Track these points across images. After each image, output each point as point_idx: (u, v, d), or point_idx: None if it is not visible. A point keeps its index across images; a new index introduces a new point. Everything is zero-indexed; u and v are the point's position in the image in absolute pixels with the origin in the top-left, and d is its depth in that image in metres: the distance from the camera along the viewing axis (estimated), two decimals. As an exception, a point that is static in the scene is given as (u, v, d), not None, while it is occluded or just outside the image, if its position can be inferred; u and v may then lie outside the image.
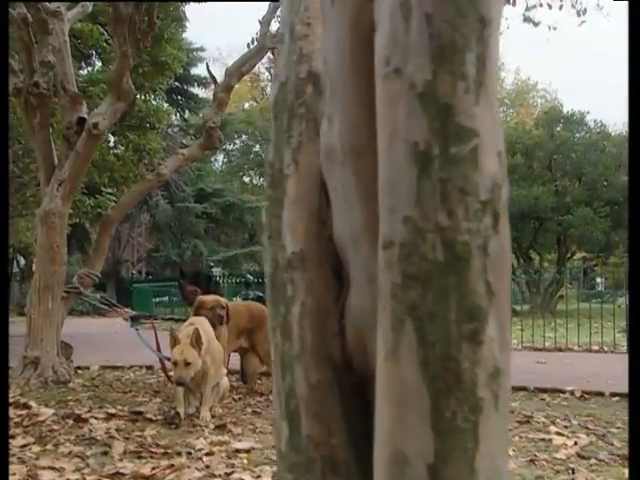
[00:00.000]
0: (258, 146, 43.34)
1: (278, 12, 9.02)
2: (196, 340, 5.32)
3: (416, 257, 0.96)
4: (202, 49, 33.17)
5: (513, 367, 1.01)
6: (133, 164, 13.92)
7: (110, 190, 17.04)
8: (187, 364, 5.27)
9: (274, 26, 8.98)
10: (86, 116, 7.29)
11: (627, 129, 31.38)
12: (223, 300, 6.71)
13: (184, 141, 30.77)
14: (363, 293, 1.13)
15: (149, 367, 8.76)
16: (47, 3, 7.17)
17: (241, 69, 8.68)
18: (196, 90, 33.65)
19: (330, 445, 1.14)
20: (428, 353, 0.95)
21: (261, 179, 45.27)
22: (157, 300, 21.09)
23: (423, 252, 0.96)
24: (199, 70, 32.20)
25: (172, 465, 4.17)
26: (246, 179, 44.91)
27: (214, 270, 25.75)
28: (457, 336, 0.94)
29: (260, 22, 8.79)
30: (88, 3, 8.59)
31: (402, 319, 0.96)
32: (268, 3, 8.91)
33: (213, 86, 9.26)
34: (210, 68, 9.75)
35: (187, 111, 33.09)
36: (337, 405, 1.16)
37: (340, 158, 1.12)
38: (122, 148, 14.13)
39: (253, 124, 41.22)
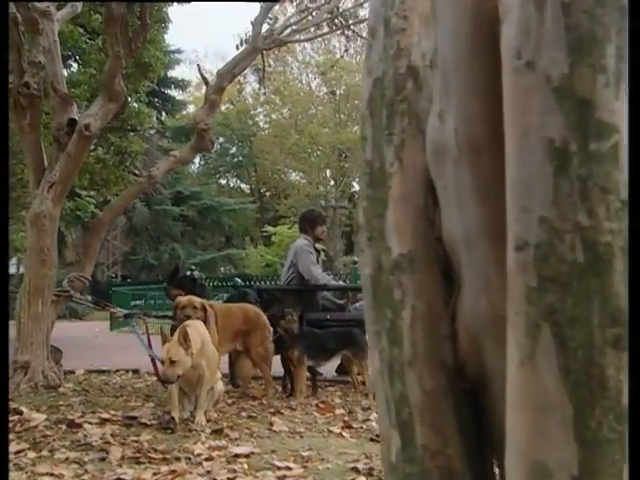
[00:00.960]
0: (235, 148, 43.19)
1: (270, 14, 9.00)
2: (184, 339, 5.24)
3: (553, 259, 0.92)
4: (179, 51, 32.96)
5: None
6: (114, 167, 13.75)
7: (88, 193, 16.83)
8: (172, 362, 5.19)
9: (264, 27, 8.92)
10: (77, 117, 7.17)
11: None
12: (198, 301, 6.52)
13: (160, 143, 30.64)
14: (478, 295, 1.08)
15: (135, 371, 8.63)
16: (37, 3, 7.05)
17: (232, 71, 8.58)
18: (173, 92, 33.45)
19: (446, 455, 1.09)
20: (569, 359, 0.90)
21: (238, 181, 45.15)
22: (135, 303, 20.91)
23: (561, 253, 0.91)
24: (176, 72, 32.07)
25: (174, 471, 4.09)
26: (223, 181, 44.67)
27: (194, 273, 25.57)
28: (601, 341, 0.90)
29: (252, 23, 8.70)
30: (78, 3, 8.46)
31: (539, 324, 0.92)
32: (260, 4, 8.83)
33: (190, 89, 9.22)
34: (188, 70, 9.70)
35: (164, 113, 32.82)
36: (451, 413, 1.11)
37: (454, 155, 1.07)
38: (103, 150, 13.92)
39: (230, 126, 41.02)
